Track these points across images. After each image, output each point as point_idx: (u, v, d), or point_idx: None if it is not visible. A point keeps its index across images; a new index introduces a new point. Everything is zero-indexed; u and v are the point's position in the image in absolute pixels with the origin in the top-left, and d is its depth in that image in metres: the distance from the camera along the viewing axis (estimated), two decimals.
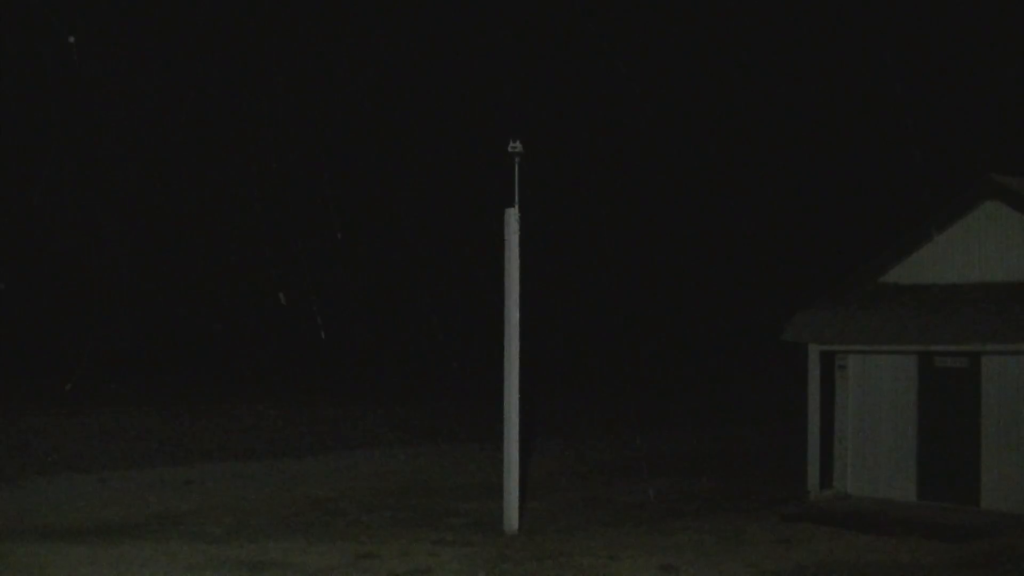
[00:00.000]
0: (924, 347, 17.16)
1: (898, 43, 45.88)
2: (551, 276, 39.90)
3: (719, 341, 45.24)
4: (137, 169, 35.11)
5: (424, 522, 15.97)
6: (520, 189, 15.31)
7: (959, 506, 17.13)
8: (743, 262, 46.42)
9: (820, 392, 18.24)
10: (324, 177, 38.41)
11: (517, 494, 15.36)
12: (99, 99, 33.71)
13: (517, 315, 15.43)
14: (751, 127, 45.34)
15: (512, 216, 15.41)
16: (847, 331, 17.69)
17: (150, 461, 22.00)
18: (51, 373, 32.47)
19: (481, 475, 20.82)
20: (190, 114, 35.16)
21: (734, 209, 46.21)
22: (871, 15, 46.31)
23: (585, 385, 39.45)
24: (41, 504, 16.95)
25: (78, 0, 32.62)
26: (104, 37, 33.40)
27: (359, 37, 37.36)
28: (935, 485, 17.64)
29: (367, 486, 19.55)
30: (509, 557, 13.52)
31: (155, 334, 36.30)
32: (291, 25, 36.59)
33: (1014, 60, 43.33)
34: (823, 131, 45.86)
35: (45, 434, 23.88)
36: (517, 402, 15.42)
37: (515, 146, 15.20)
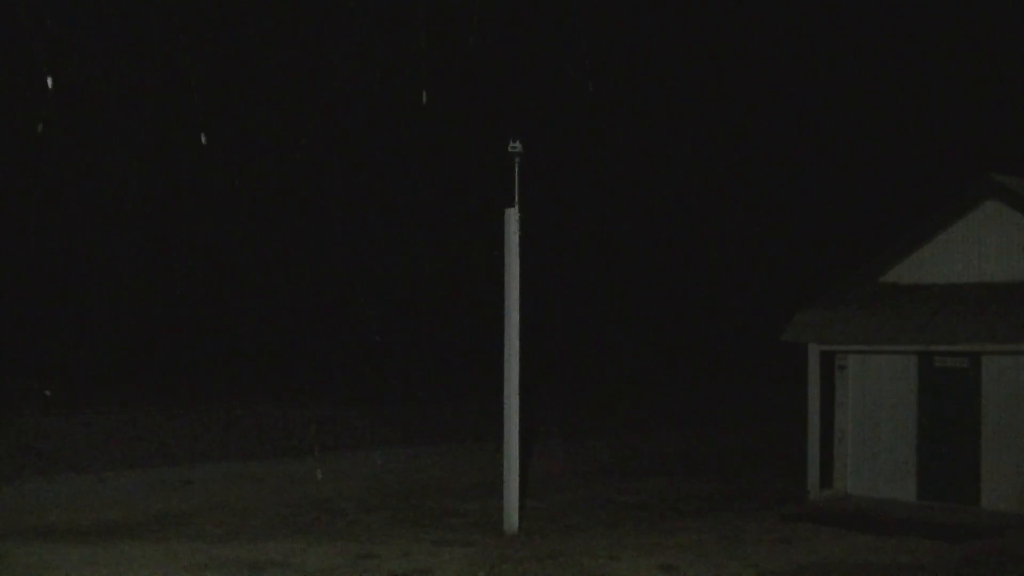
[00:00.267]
0: (924, 347, 17.16)
1: (898, 43, 45.91)
2: (551, 276, 39.92)
3: (719, 341, 45.25)
4: (137, 168, 35.11)
5: (424, 522, 15.98)
6: (520, 189, 15.32)
7: (959, 506, 17.14)
8: (743, 262, 46.43)
9: (820, 392, 18.25)
10: (324, 177, 38.44)
11: (517, 494, 15.36)
12: (99, 98, 33.72)
13: (517, 315, 15.43)
14: (751, 127, 45.33)
15: (512, 216, 15.41)
16: (847, 331, 17.70)
17: (150, 461, 22.00)
18: (51, 373, 32.47)
19: (481, 475, 20.82)
20: (189, 114, 35.16)
21: (734, 209, 46.23)
22: (871, 15, 46.32)
23: (585, 385, 39.45)
24: (41, 504, 16.95)
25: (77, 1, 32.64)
26: (103, 36, 33.43)
27: (359, 37, 37.36)
28: (935, 485, 17.65)
29: (367, 486, 19.55)
30: (509, 557, 13.52)
31: (155, 334, 36.28)
32: (291, 25, 36.60)
33: (1014, 60, 43.36)
34: (823, 131, 45.86)
35: (45, 434, 23.88)
36: (517, 402, 15.42)
37: (515, 146, 15.20)
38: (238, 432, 26.01)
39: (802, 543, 14.58)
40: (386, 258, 39.12)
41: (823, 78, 45.59)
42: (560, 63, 39.76)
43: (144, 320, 36.23)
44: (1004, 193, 17.06)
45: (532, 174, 16.24)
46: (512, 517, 15.29)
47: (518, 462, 15.44)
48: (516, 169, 15.23)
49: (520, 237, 15.44)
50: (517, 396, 15.42)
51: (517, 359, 15.39)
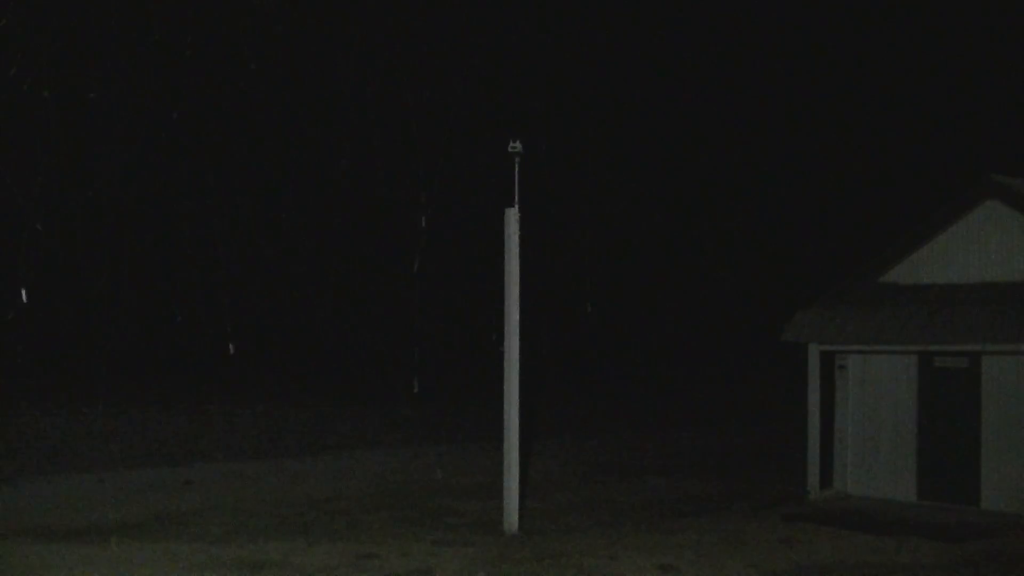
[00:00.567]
0: (924, 347, 17.16)
1: (898, 43, 45.91)
2: (551, 276, 39.92)
3: (719, 341, 45.25)
4: (137, 168, 35.08)
5: (424, 522, 15.98)
6: (520, 189, 15.31)
7: (959, 506, 17.13)
8: (743, 262, 46.44)
9: (820, 392, 18.25)
10: (324, 177, 38.44)
11: (517, 494, 15.36)
12: (100, 97, 33.71)
13: (517, 315, 15.43)
14: (751, 127, 45.33)
15: (512, 216, 15.41)
16: (847, 331, 17.70)
17: (150, 461, 22.00)
18: (51, 373, 32.46)
19: (481, 475, 20.82)
20: (189, 113, 35.16)
21: (734, 209, 46.23)
22: (871, 14, 46.32)
23: (585, 385, 39.46)
24: (41, 504, 16.95)
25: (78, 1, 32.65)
26: (102, 37, 33.40)
27: (358, 37, 37.35)
28: (935, 485, 17.65)
29: (367, 486, 19.55)
30: (509, 557, 13.52)
31: (155, 334, 36.26)
32: (291, 25, 36.60)
33: (1014, 60, 43.36)
34: (823, 131, 45.88)
35: (45, 434, 23.88)
36: (517, 402, 15.41)
37: (515, 146, 15.19)
38: (238, 432, 26.02)
39: (802, 543, 14.58)
40: (386, 258, 39.12)
41: (823, 78, 45.60)
42: (559, 63, 39.80)
43: (144, 320, 36.21)
44: (1004, 193, 17.06)
45: (532, 174, 16.25)
46: (512, 517, 15.29)
47: (518, 462, 15.44)
48: (516, 169, 15.23)
49: (520, 237, 15.44)
50: (517, 396, 15.41)
51: (517, 359, 15.38)
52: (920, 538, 14.85)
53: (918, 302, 17.33)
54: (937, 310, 16.92)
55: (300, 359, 37.26)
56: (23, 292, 33.01)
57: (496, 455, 17.36)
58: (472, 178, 37.84)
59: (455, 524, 15.84)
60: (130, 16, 33.54)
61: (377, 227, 38.74)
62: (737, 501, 18.35)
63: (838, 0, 45.95)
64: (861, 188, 45.17)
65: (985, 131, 42.53)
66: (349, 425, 28.09)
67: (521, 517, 15.49)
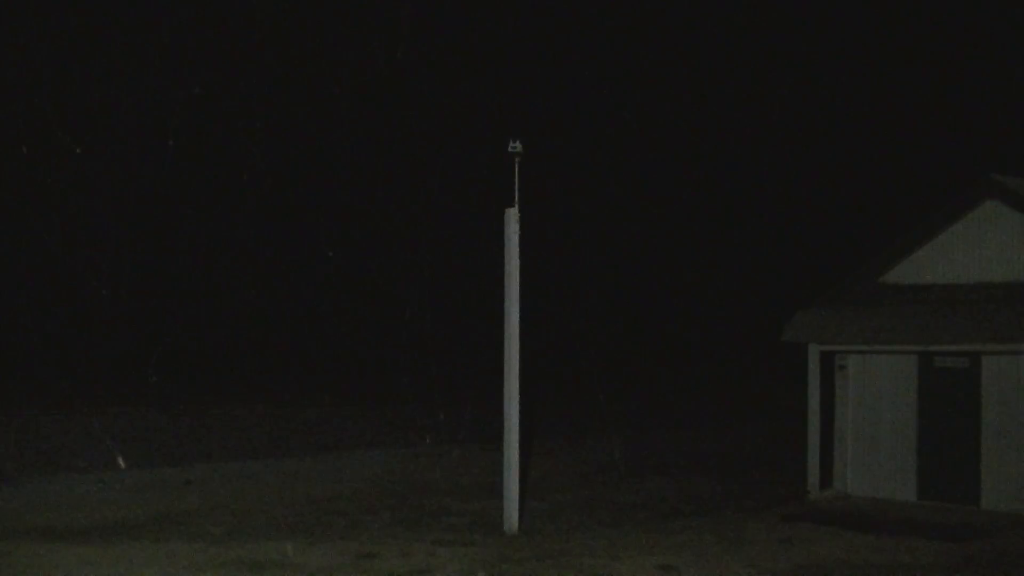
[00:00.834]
0: (924, 347, 17.16)
1: (898, 43, 45.90)
2: (551, 276, 39.91)
3: (719, 341, 45.24)
4: (138, 169, 35.11)
5: (424, 522, 15.98)
6: (520, 189, 15.31)
7: (959, 506, 17.14)
8: (743, 262, 46.43)
9: (820, 392, 18.25)
10: (324, 178, 38.45)
11: (517, 494, 15.36)
12: (99, 98, 33.72)
13: (517, 315, 15.43)
14: (751, 127, 45.34)
15: (512, 216, 15.42)
16: (847, 331, 17.70)
17: (150, 461, 22.00)
18: (51, 373, 32.48)
19: (481, 475, 20.82)
20: (188, 113, 35.17)
21: (734, 209, 46.23)
22: (871, 14, 46.33)
23: (585, 385, 39.44)
24: (41, 504, 16.95)
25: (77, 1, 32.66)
26: (102, 37, 33.42)
27: (358, 36, 37.35)
28: (935, 485, 17.65)
29: (367, 486, 19.55)
30: (509, 557, 13.52)
31: (155, 335, 36.30)
32: (290, 24, 36.61)
33: (1014, 60, 43.35)
34: (824, 131, 45.87)
35: (45, 434, 23.88)
36: (517, 402, 15.42)
37: (515, 146, 15.19)
38: (238, 432, 26.02)
39: (802, 543, 14.57)
40: (386, 258, 39.12)
41: (823, 78, 45.61)
42: (559, 63, 39.80)
43: (144, 320, 36.22)
44: (1004, 193, 17.06)
45: (532, 174, 16.24)
46: (512, 517, 15.29)
47: (518, 462, 15.44)
48: (516, 169, 15.23)
49: (520, 237, 15.44)
50: (517, 396, 15.42)
51: (517, 359, 15.39)
52: (920, 538, 14.85)
53: (918, 302, 17.33)
54: (937, 310, 16.92)
55: (300, 360, 37.27)
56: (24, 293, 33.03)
57: (496, 455, 17.36)
58: (472, 178, 37.84)
59: (455, 524, 15.84)
60: (130, 16, 33.56)
61: (377, 227, 38.74)
62: (737, 501, 18.36)
63: (839, 0, 45.97)
64: (861, 188, 45.15)
65: (985, 131, 42.52)
66: (349, 425, 28.10)
67: (521, 517, 15.49)
